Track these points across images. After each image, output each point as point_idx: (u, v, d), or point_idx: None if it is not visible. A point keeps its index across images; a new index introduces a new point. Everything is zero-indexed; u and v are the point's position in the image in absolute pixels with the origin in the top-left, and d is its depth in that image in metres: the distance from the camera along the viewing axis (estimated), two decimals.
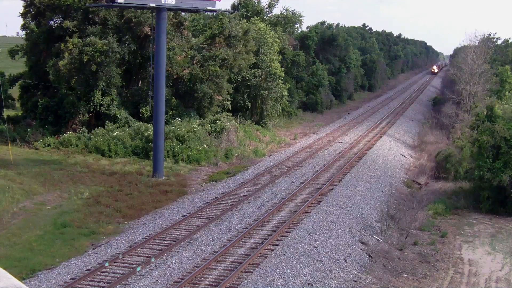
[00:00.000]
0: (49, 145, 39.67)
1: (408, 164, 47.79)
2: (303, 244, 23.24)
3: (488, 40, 77.91)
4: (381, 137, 54.83)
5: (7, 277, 6.56)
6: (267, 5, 65.72)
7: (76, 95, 42.28)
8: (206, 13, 51.22)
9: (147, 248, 21.77)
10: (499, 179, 32.85)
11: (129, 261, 20.37)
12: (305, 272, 20.72)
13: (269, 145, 48.15)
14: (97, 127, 40.75)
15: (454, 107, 65.24)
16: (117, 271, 19.45)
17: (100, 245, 22.31)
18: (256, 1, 64.38)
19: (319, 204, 29.34)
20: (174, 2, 32.98)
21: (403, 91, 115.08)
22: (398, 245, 26.80)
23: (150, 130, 38.23)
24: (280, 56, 57.25)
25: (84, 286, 18.28)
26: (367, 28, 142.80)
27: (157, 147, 34.32)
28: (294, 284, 19.58)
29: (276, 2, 65.99)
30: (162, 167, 34.43)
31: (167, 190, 31.35)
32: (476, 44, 68.02)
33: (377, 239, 26.95)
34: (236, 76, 50.54)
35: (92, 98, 41.03)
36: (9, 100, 50.32)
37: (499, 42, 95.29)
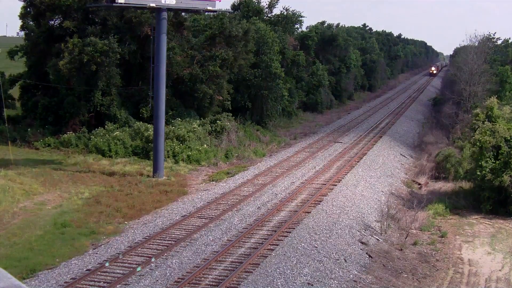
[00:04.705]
0: (49, 145, 39.69)
1: (408, 164, 47.77)
2: (303, 244, 23.25)
3: (488, 40, 77.88)
4: (381, 137, 54.82)
5: (7, 277, 6.57)
6: (267, 5, 65.77)
7: (76, 95, 42.29)
8: (206, 13, 51.21)
9: (147, 248, 21.79)
10: (500, 180, 32.82)
11: (129, 261, 20.38)
12: (305, 272, 20.72)
13: (269, 145, 48.17)
14: (97, 127, 40.75)
15: (454, 107, 65.25)
16: (117, 271, 19.47)
17: (100, 245, 22.33)
18: (256, 1, 64.39)
19: (319, 204, 29.34)
20: (174, 2, 32.99)
21: (403, 91, 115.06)
22: (398, 245, 26.81)
23: (150, 130, 38.23)
24: (280, 56, 57.25)
25: (84, 286, 18.29)
26: (367, 28, 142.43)
27: (157, 147, 34.34)
28: (294, 284, 19.58)
29: (276, 2, 66.01)
30: (162, 167, 34.44)
31: (167, 190, 31.34)
32: (476, 44, 68.08)
33: (377, 239, 26.95)
34: (236, 76, 50.54)
35: (92, 98, 41.04)
36: (9, 100, 50.31)
37: (499, 42, 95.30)
